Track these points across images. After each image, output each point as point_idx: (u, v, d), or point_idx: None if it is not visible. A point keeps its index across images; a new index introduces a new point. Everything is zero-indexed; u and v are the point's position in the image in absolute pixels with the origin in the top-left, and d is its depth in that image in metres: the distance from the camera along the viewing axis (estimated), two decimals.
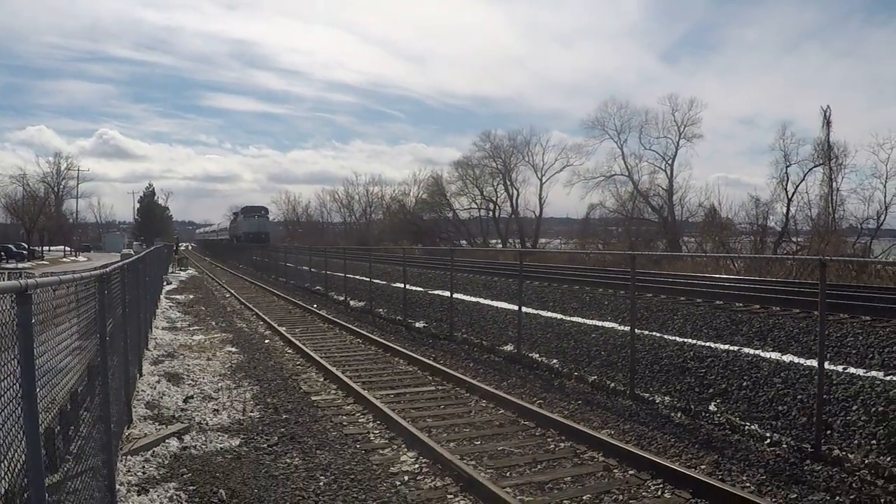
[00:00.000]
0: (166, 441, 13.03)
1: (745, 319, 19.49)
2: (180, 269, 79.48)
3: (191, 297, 45.92)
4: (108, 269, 10.83)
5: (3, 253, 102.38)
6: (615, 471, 11.57)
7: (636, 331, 17.41)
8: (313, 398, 17.11)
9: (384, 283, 38.10)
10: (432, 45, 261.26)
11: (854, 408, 12.85)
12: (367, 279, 36.91)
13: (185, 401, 16.47)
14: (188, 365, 21.01)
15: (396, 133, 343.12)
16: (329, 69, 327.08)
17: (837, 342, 16.19)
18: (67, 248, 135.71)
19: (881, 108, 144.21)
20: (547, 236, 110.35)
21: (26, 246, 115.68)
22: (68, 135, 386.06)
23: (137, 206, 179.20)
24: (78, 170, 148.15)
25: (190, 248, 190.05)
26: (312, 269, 50.71)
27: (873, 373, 14.17)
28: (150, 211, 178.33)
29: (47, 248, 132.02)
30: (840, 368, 14.60)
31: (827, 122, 72.08)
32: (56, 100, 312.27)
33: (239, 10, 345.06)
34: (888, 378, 13.65)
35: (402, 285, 32.10)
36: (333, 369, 19.79)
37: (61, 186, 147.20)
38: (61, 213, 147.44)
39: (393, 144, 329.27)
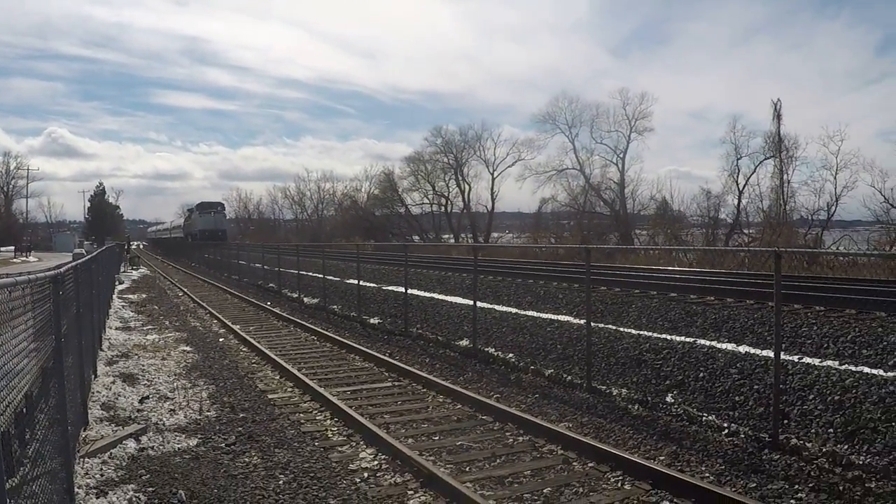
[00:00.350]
0: (123, 442, 12.87)
1: (699, 311, 19.60)
2: (132, 268, 78.61)
3: (143, 296, 45.34)
4: (61, 270, 10.73)
5: None
6: (574, 463, 11.59)
7: (592, 324, 17.48)
8: (270, 396, 17.00)
9: (338, 279, 37.99)
10: (383, 41, 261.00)
11: (810, 397, 12.93)
12: (321, 276, 36.72)
13: (140, 401, 16.26)
14: (143, 365, 20.74)
15: (347, 129, 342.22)
16: (280, 65, 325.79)
17: (792, 332, 16.30)
18: (17, 249, 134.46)
19: (831, 100, 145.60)
20: (499, 231, 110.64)
21: None
22: (17, 133, 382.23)
23: (88, 205, 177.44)
24: (27, 169, 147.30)
25: (141, 246, 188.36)
26: (265, 267, 50.60)
27: (828, 362, 14.28)
28: (101, 210, 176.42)
29: None
30: (795, 358, 14.70)
31: (777, 115, 72.65)
32: (4, 98, 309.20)
33: (189, 6, 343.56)
34: (843, 367, 13.76)
35: (355, 282, 31.98)
36: (289, 367, 19.71)
37: (10, 186, 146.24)
38: (11, 213, 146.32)
39: (344, 140, 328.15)
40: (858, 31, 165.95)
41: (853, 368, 13.65)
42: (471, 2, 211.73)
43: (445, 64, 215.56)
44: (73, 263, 15.33)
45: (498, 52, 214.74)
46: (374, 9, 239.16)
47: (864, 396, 12.30)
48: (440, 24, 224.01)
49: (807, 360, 14.58)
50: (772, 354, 12.97)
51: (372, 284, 33.96)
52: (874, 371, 13.33)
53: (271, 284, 47.06)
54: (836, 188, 66.39)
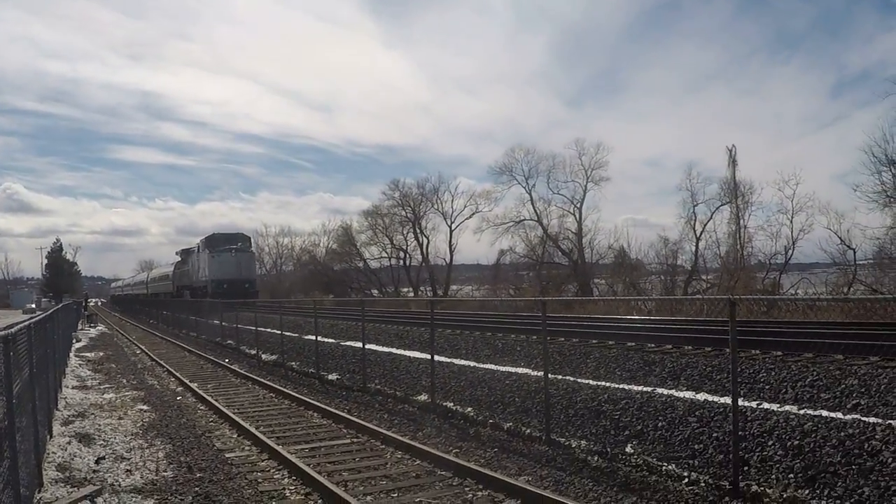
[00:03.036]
0: None
1: (657, 360, 19.54)
2: (90, 326, 77.93)
3: (101, 354, 45.06)
4: (13, 330, 10.60)
5: None
6: None
7: (550, 375, 17.43)
8: (227, 455, 16.74)
9: (296, 335, 37.75)
10: (338, 94, 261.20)
11: (770, 443, 12.88)
12: (279, 332, 36.57)
13: (97, 462, 15.99)
14: (99, 425, 20.46)
15: (304, 183, 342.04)
16: (236, 119, 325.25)
17: (750, 378, 16.28)
18: None
19: (786, 144, 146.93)
20: (458, 283, 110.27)
21: None
22: None
23: (45, 261, 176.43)
24: None
25: (100, 303, 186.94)
26: (224, 324, 50.36)
27: (787, 407, 14.26)
28: (58, 266, 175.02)
29: None
30: (754, 404, 14.67)
31: (732, 161, 73.34)
32: None
33: (143, 60, 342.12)
34: (802, 412, 13.74)
35: (313, 337, 31.79)
36: (247, 425, 19.45)
37: None
38: None
39: (300, 195, 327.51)
40: (812, 76, 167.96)
41: (812, 412, 13.64)
42: (425, 54, 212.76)
43: (401, 117, 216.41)
44: (27, 322, 15.16)
45: (453, 103, 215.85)
46: (328, 62, 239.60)
47: (824, 440, 12.26)
48: (395, 76, 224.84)
49: (766, 405, 14.56)
50: (730, 401, 12.93)
51: (330, 340, 33.79)
52: (833, 414, 13.33)
53: (229, 341, 46.70)
54: (792, 232, 66.96)
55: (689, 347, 20.60)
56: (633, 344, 22.30)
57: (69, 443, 17.84)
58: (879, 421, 12.55)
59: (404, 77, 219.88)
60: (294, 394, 24.71)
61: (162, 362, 38.14)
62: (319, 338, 31.41)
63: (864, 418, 12.89)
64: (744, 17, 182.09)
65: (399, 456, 16.00)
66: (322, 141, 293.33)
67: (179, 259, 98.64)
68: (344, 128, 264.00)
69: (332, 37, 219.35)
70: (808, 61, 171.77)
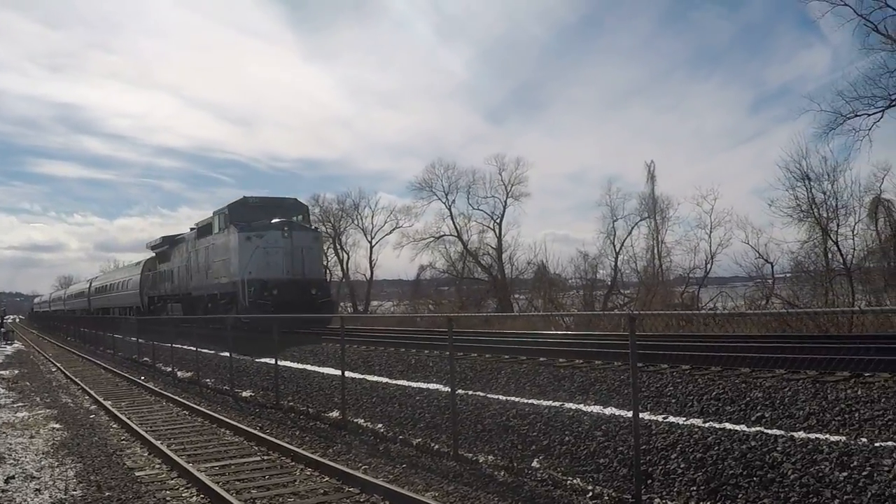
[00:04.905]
0: None
1: (567, 375, 19.56)
2: (6, 343, 76.03)
3: (16, 372, 44.35)
4: None
5: None
6: None
7: (460, 391, 17.49)
8: (138, 473, 16.42)
9: (212, 352, 37.56)
10: (259, 108, 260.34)
11: (673, 456, 12.96)
12: (195, 349, 36.31)
13: (6, 482, 15.69)
14: (10, 444, 20.07)
15: (224, 198, 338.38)
16: (156, 133, 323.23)
17: (657, 392, 16.36)
18: None
19: (705, 160, 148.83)
20: (379, 298, 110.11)
21: None
22: None
23: None
24: None
25: (17, 320, 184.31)
26: (140, 340, 49.99)
27: (693, 420, 14.35)
28: None
29: None
30: (660, 418, 14.75)
31: (652, 177, 74.45)
32: None
33: (64, 72, 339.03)
34: (707, 424, 13.84)
35: (228, 354, 31.63)
36: (158, 443, 19.09)
37: None
38: None
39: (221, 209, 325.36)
40: (731, 92, 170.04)
41: (717, 425, 13.73)
42: (346, 68, 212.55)
43: (322, 131, 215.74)
44: None
45: (375, 118, 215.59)
46: (250, 76, 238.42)
47: (727, 453, 12.35)
48: (316, 91, 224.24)
49: (671, 419, 14.65)
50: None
51: (245, 357, 33.63)
52: (737, 427, 13.43)
53: (146, 359, 46.18)
54: (710, 246, 68.17)
55: (599, 362, 20.68)
56: (544, 359, 22.38)
57: None
58: (782, 433, 12.67)
59: (325, 91, 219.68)
60: (207, 411, 24.46)
61: (77, 380, 37.35)
62: (234, 355, 31.25)
63: (767, 431, 12.99)
64: (665, 33, 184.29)
65: (308, 473, 15.85)
66: (243, 155, 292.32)
67: (153, 255, 67.83)
68: (265, 142, 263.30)
69: (253, 51, 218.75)
70: (728, 78, 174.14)
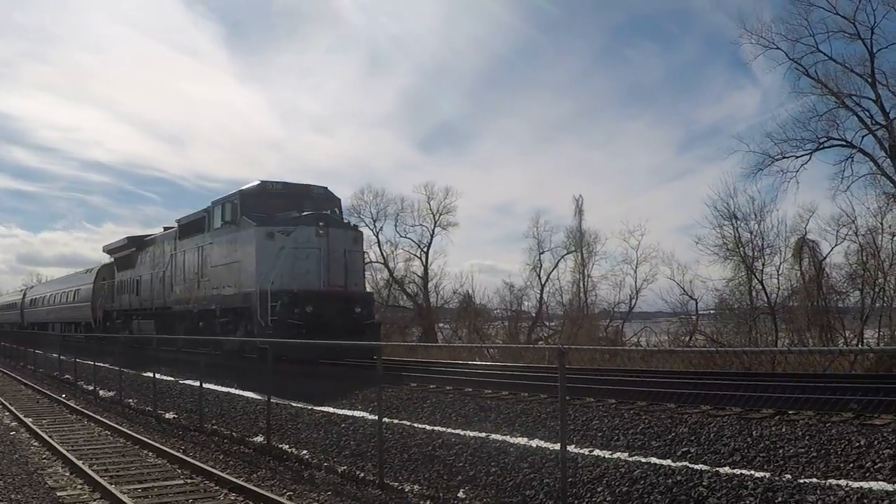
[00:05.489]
0: None
1: (493, 406, 19.65)
2: None
3: None
4: None
5: None
6: None
7: (386, 419, 17.48)
8: (58, 494, 16.25)
9: (134, 372, 37.19)
10: (190, 127, 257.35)
11: (599, 489, 13.04)
12: (117, 368, 35.89)
13: None
14: None
15: (150, 216, 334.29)
16: (86, 147, 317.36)
17: (584, 425, 16.46)
18: None
19: (633, 196, 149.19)
20: None
21: None
22: None
23: None
24: None
25: None
26: (62, 357, 49.37)
27: (619, 454, 14.46)
28: None
29: None
30: (586, 451, 14.85)
31: (579, 211, 74.75)
32: None
33: None
34: (633, 459, 13.96)
35: (151, 374, 31.35)
36: (80, 463, 18.87)
37: None
38: None
39: (147, 227, 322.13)
40: (661, 130, 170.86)
41: (642, 459, 13.85)
42: (279, 91, 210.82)
43: (253, 152, 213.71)
44: None
45: (306, 142, 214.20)
46: (183, 94, 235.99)
47: (653, 487, 12.45)
48: (248, 112, 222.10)
49: (597, 452, 14.77)
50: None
51: (169, 378, 33.35)
52: (663, 461, 13.56)
53: (67, 376, 45.15)
54: (636, 281, 68.52)
55: (526, 394, 20.77)
56: (470, 389, 22.44)
57: None
58: (707, 468, 12.81)
59: (257, 113, 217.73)
60: (130, 432, 24.07)
61: None
62: (158, 375, 30.97)
63: (692, 465, 13.13)
64: (598, 70, 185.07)
65: (233, 498, 15.65)
66: (171, 173, 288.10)
67: (111, 261, 58.23)
68: (194, 161, 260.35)
69: (187, 69, 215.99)
70: (659, 116, 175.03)
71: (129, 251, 52.43)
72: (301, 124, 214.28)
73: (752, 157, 55.01)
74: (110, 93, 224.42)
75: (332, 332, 28.86)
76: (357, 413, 21.47)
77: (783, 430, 14.16)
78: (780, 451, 13.26)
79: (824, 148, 54.12)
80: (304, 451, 19.67)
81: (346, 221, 37.23)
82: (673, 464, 13.33)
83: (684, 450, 14.26)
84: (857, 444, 12.87)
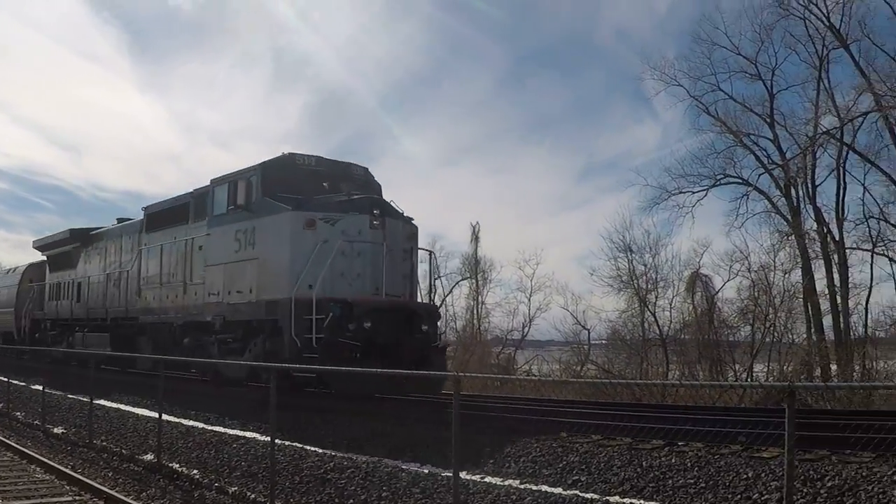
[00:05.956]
0: None
1: (386, 431, 19.78)
2: None
3: None
4: None
5: None
6: None
7: (278, 441, 17.45)
8: None
9: (23, 384, 36.64)
10: (88, 134, 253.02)
11: None
12: (5, 379, 35.31)
13: None
14: None
15: (44, 224, 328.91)
16: None
17: (475, 452, 16.58)
18: None
19: (530, 224, 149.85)
20: None
21: None
22: None
23: None
24: None
25: None
26: None
27: (510, 481, 14.64)
28: None
29: None
30: (478, 478, 15.01)
31: (475, 237, 74.72)
32: None
33: None
34: (524, 486, 14.15)
35: (41, 388, 30.82)
36: None
37: None
38: None
39: (40, 235, 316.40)
40: (562, 158, 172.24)
41: (533, 487, 14.03)
42: (181, 102, 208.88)
43: (151, 164, 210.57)
44: None
45: (205, 156, 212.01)
46: (82, 100, 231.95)
47: None
48: (148, 122, 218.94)
49: (488, 479, 14.93)
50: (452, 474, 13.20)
51: (58, 392, 32.90)
52: (553, 490, 13.77)
53: None
54: (529, 309, 68.69)
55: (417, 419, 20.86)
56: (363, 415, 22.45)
57: None
58: (597, 496, 13.05)
59: (157, 123, 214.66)
60: (17, 446, 23.51)
61: None
62: (47, 389, 30.49)
63: (582, 494, 13.36)
64: (503, 95, 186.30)
65: None
66: (66, 182, 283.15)
67: (42, 259, 49.00)
68: (91, 170, 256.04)
69: (88, 74, 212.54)
70: (560, 145, 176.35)
71: (68, 247, 42.99)
72: (201, 137, 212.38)
73: (650, 191, 56.03)
74: (6, 95, 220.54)
75: (389, 357, 23.29)
76: (248, 434, 21.37)
77: (673, 460, 14.45)
78: (670, 481, 13.52)
79: (721, 185, 55.36)
80: (195, 471, 19.50)
81: (401, 211, 27.56)
82: (563, 492, 13.52)
83: (575, 478, 14.46)
84: (745, 475, 13.16)
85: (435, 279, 31.98)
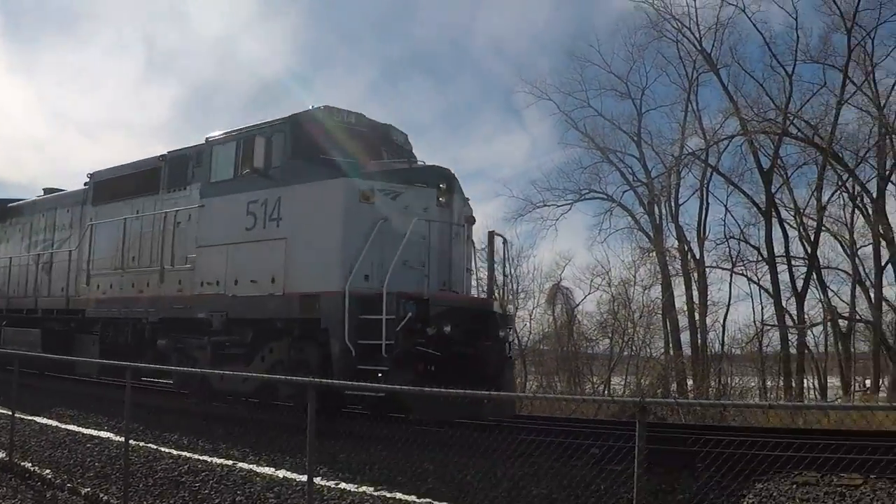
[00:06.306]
0: None
1: (241, 433, 19.81)
2: None
3: None
4: None
5: None
6: None
7: (133, 442, 17.26)
8: None
9: None
10: None
11: None
12: None
13: None
14: None
15: None
16: None
17: (330, 458, 16.62)
18: None
19: None
20: None
21: None
22: None
23: None
24: None
25: None
26: None
27: (364, 487, 14.71)
28: None
29: None
30: (332, 484, 15.04)
31: None
32: None
33: None
34: (378, 493, 14.27)
35: None
36: None
37: None
38: None
39: None
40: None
41: (387, 494, 14.22)
42: (48, 87, 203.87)
43: (12, 151, 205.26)
44: None
45: (70, 145, 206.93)
46: None
47: None
48: (12, 106, 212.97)
49: (343, 485, 14.97)
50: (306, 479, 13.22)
51: None
52: (408, 497, 13.97)
53: None
54: None
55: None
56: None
57: None
58: None
59: (21, 107, 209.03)
60: None
61: None
62: None
63: (436, 502, 13.53)
64: (372, 101, 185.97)
65: None
66: None
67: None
68: None
69: None
70: (429, 152, 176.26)
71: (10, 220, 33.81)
72: (67, 126, 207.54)
73: (515, 203, 56.91)
74: None
75: (467, 370, 18.37)
76: (103, 433, 21.06)
77: (526, 470, 14.62)
78: (523, 491, 13.73)
79: (585, 199, 56.28)
80: (48, 471, 19.21)
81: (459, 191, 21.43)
82: (418, 499, 13.64)
83: (429, 486, 14.59)
84: (598, 489, 13.37)
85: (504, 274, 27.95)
